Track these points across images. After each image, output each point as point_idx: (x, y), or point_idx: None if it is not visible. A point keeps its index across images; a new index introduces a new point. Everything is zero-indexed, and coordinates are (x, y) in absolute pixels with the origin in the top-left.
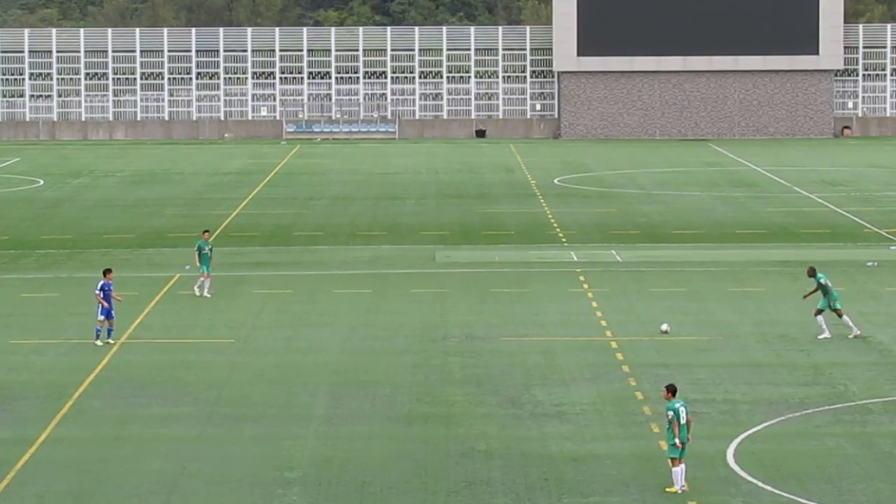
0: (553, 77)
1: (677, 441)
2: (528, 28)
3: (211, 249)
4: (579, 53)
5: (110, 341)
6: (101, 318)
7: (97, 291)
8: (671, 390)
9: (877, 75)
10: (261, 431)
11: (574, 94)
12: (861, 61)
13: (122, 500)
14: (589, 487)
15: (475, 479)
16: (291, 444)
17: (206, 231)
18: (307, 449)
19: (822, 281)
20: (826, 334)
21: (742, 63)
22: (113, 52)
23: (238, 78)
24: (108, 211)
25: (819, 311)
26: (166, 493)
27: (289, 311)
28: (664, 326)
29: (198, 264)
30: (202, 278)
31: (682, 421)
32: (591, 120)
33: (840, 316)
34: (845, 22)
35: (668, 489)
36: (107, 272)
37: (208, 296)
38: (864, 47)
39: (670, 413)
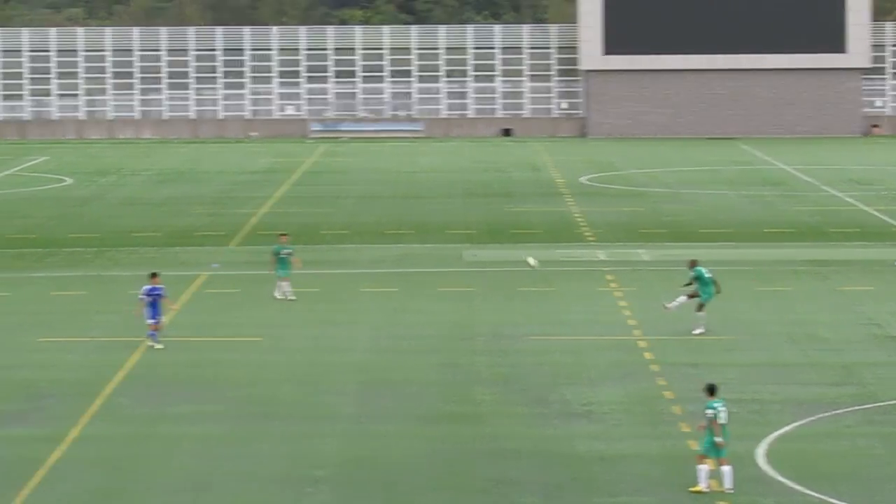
0: (579, 75)
1: (720, 440)
2: (553, 26)
3: (290, 253)
4: (605, 52)
5: (154, 345)
6: (151, 321)
7: (142, 296)
8: (710, 390)
9: None
10: (289, 430)
11: (600, 93)
12: (889, 59)
13: (151, 497)
14: (618, 487)
15: (504, 478)
16: (320, 442)
17: (285, 234)
18: (336, 447)
19: (701, 274)
20: (700, 329)
21: (769, 61)
22: (139, 51)
23: (264, 77)
24: (136, 209)
25: (700, 307)
26: (195, 491)
27: (316, 310)
28: (531, 260)
29: (273, 269)
30: (282, 282)
31: (722, 421)
32: (617, 118)
33: (699, 309)
34: (873, 20)
35: (691, 489)
36: (153, 276)
37: (293, 299)
38: (893, 45)
39: (709, 412)
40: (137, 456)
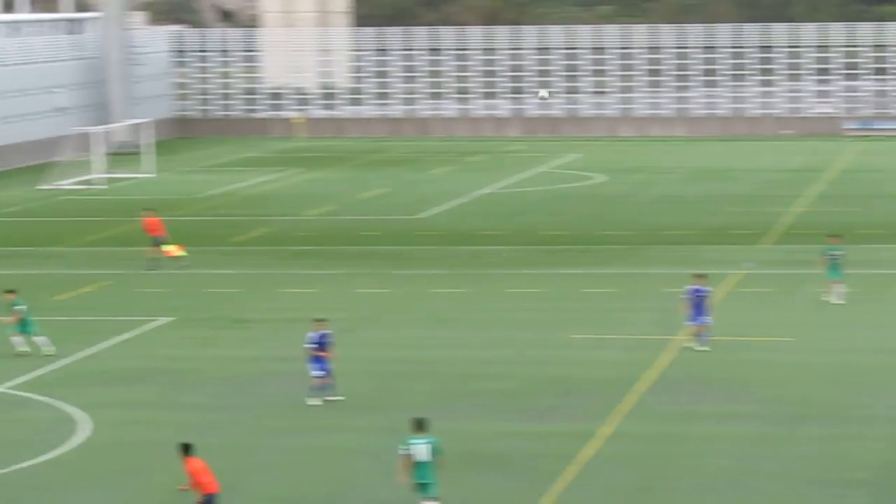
0: None
1: None
2: None
3: (841, 254)
4: None
5: (695, 346)
6: (692, 323)
7: (685, 296)
8: None
9: None
10: (824, 431)
11: None
12: None
13: (683, 496)
14: None
15: None
16: (857, 444)
17: (836, 236)
18: (873, 450)
19: None
20: None
21: None
22: (670, 48)
23: (796, 74)
24: (667, 207)
25: None
26: (727, 491)
27: (851, 311)
28: (543, 92)
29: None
30: (834, 284)
31: None
32: None
33: None
34: None
35: None
36: (700, 276)
37: (842, 302)
38: None
39: None
40: (669, 454)
